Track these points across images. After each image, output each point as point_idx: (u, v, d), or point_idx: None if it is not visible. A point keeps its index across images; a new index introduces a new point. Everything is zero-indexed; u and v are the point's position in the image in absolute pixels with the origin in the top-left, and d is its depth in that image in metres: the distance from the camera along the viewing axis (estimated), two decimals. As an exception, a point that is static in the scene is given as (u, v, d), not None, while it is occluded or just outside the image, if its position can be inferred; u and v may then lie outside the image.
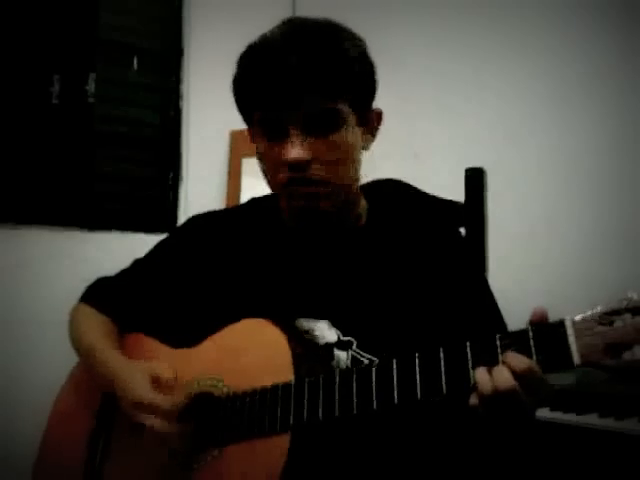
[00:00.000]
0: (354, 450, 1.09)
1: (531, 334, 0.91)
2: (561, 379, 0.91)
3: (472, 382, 0.93)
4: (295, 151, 1.10)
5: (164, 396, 1.09)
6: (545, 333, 0.91)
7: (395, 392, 0.97)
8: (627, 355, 0.85)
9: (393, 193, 1.36)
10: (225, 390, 1.12)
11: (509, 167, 2.25)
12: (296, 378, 1.05)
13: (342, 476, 1.10)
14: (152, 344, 1.28)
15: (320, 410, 1.01)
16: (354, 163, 1.18)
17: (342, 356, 1.14)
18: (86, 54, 2.55)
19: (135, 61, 2.68)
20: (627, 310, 0.86)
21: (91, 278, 1.39)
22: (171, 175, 2.74)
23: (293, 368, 1.05)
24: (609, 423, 1.60)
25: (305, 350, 1.10)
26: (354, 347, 1.14)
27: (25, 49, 2.40)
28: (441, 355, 0.96)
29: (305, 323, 1.17)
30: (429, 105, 2.57)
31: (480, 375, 0.92)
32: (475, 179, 1.52)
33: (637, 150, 2.10)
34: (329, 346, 1.15)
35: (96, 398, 1.26)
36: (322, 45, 1.11)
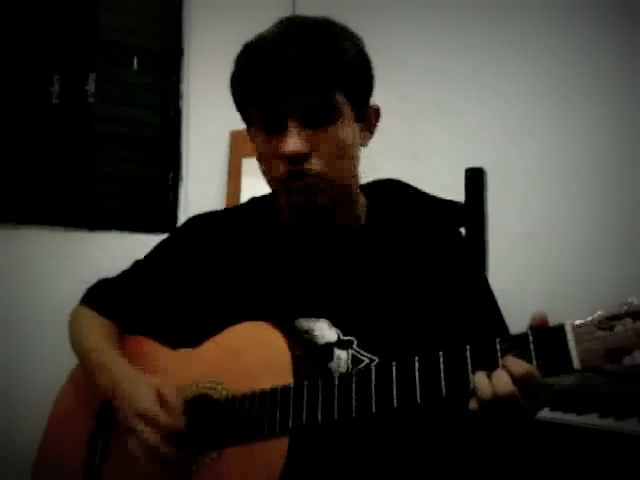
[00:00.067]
0: (353, 453, 1.09)
1: (531, 338, 0.91)
2: (561, 379, 0.90)
3: (471, 386, 0.92)
4: (293, 143, 1.10)
5: (168, 416, 1.07)
6: (545, 337, 0.90)
7: (394, 396, 0.97)
8: (627, 360, 0.85)
9: (393, 193, 1.36)
10: (224, 393, 1.12)
11: (509, 167, 2.25)
12: (295, 381, 1.05)
13: (341, 478, 1.10)
14: (152, 346, 1.27)
15: (319, 413, 1.01)
16: (352, 158, 1.18)
17: (342, 355, 1.14)
18: (86, 54, 2.55)
19: (135, 61, 2.68)
20: (627, 315, 0.86)
21: (91, 278, 1.39)
22: (171, 175, 2.74)
23: (292, 371, 1.05)
24: (609, 423, 1.60)
25: (304, 352, 1.10)
26: (354, 346, 1.14)
27: (25, 49, 2.40)
28: (441, 359, 0.95)
29: (305, 323, 1.17)
30: (429, 105, 2.57)
31: (479, 379, 0.92)
32: (475, 179, 1.52)
33: (637, 150, 2.10)
34: (329, 345, 1.15)
35: (96, 399, 1.25)
36: (319, 39, 1.12)
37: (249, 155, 2.54)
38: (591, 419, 1.64)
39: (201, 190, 2.72)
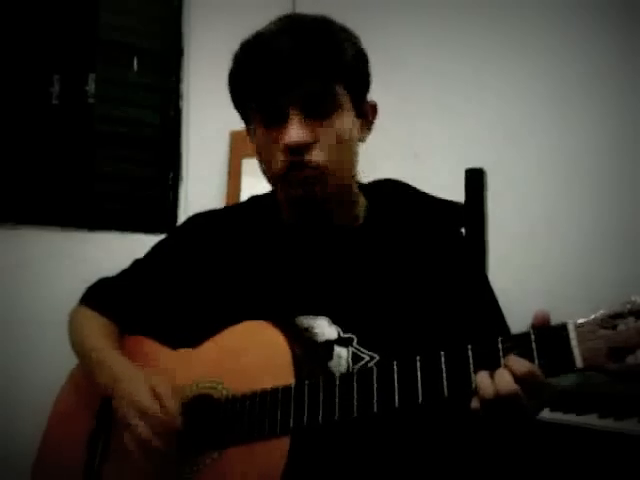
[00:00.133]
0: (354, 453, 1.09)
1: (533, 337, 0.91)
2: (561, 379, 0.90)
3: (473, 385, 0.92)
4: (296, 132, 1.10)
5: (164, 415, 1.07)
6: (547, 336, 0.90)
7: (396, 395, 0.97)
8: (630, 359, 0.84)
9: (392, 193, 1.36)
10: (224, 392, 1.11)
11: (509, 167, 2.25)
12: (296, 381, 1.04)
13: (342, 479, 1.09)
14: (152, 346, 1.27)
15: (320, 413, 1.01)
16: (352, 152, 1.18)
17: (342, 353, 1.14)
18: (86, 54, 2.55)
19: (135, 61, 2.68)
20: (630, 313, 0.86)
21: (91, 278, 1.39)
22: (171, 175, 2.74)
23: (293, 370, 1.05)
24: (609, 423, 1.60)
25: (305, 351, 1.09)
26: (354, 344, 1.14)
27: (25, 49, 2.40)
28: (442, 358, 0.95)
29: (305, 320, 1.17)
30: (429, 105, 2.57)
31: (481, 379, 0.91)
32: (475, 179, 1.52)
33: (637, 150, 2.10)
34: (329, 343, 1.15)
35: (96, 399, 1.25)
36: (318, 31, 1.13)
37: (249, 155, 2.54)
38: (591, 419, 1.64)
39: (201, 190, 2.72)
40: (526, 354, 0.90)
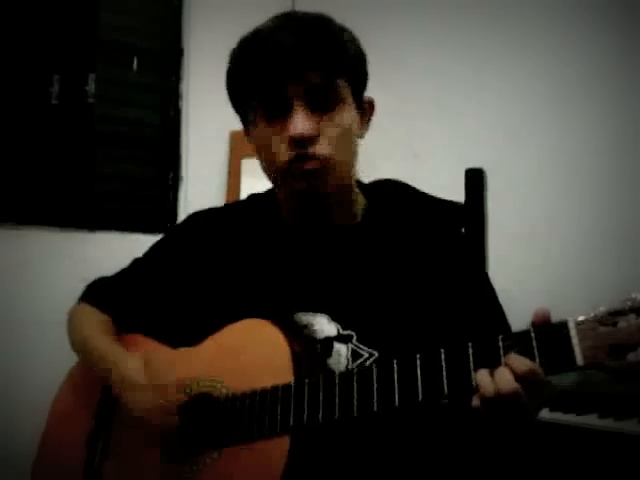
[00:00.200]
0: (354, 452, 1.09)
1: (534, 335, 0.91)
2: (562, 379, 0.90)
3: (474, 384, 0.92)
4: (302, 125, 1.10)
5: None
6: (548, 334, 0.90)
7: (396, 394, 0.97)
8: (631, 357, 0.84)
9: (392, 192, 1.36)
10: (224, 391, 1.12)
11: (509, 167, 2.26)
12: (296, 379, 1.04)
13: (343, 477, 1.09)
14: (152, 344, 1.27)
15: (320, 411, 1.01)
16: (353, 146, 1.18)
17: (342, 350, 1.14)
18: (86, 54, 2.54)
19: (135, 61, 2.68)
20: (631, 310, 0.85)
21: (91, 278, 1.39)
22: (171, 175, 2.74)
23: (293, 369, 1.05)
24: (609, 424, 1.60)
25: (304, 349, 1.10)
26: (354, 341, 1.14)
27: (25, 49, 2.40)
28: (442, 356, 0.95)
29: (304, 317, 1.17)
30: (429, 105, 2.57)
31: (482, 377, 0.91)
32: (475, 179, 1.52)
33: (637, 150, 2.10)
34: (329, 340, 1.15)
35: (94, 398, 1.26)
36: (318, 26, 1.14)
37: (249, 155, 2.53)
38: (591, 419, 1.64)
39: (201, 190, 2.72)
40: (527, 352, 0.90)
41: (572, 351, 0.88)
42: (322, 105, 1.12)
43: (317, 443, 1.04)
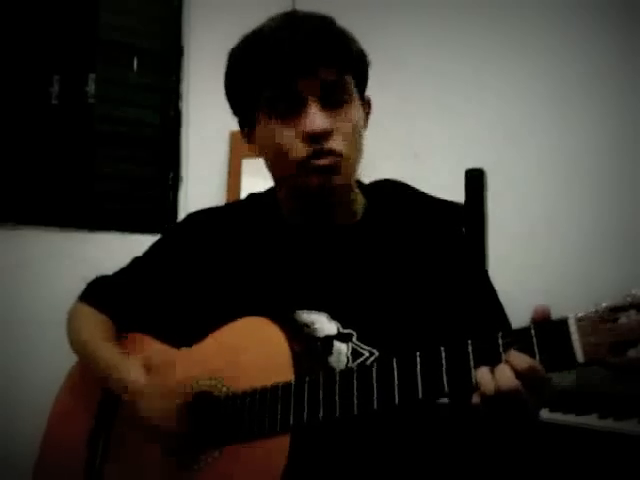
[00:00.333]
0: (355, 450, 1.09)
1: (534, 332, 0.90)
2: (562, 379, 0.90)
3: (474, 381, 0.92)
4: (319, 120, 1.10)
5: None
6: (548, 331, 0.90)
7: (396, 392, 0.96)
8: (632, 353, 0.83)
9: (392, 192, 1.36)
10: (224, 390, 1.12)
11: (509, 167, 2.26)
12: (296, 378, 1.04)
13: (343, 477, 1.09)
14: (151, 343, 1.27)
15: (320, 410, 1.01)
16: (362, 142, 1.19)
17: (342, 348, 1.14)
18: (86, 54, 2.55)
19: (135, 61, 2.68)
20: (632, 306, 0.85)
21: (91, 278, 1.39)
22: (171, 175, 2.74)
23: (293, 367, 1.05)
24: (609, 423, 1.60)
25: (304, 348, 1.10)
26: (354, 339, 1.14)
27: (25, 49, 2.40)
28: (442, 354, 0.95)
29: (304, 316, 1.17)
30: (429, 105, 2.57)
31: (482, 374, 0.91)
32: (475, 179, 1.52)
33: (637, 150, 2.10)
34: (329, 338, 1.15)
35: (95, 398, 1.26)
36: (325, 24, 1.15)
37: (249, 155, 2.54)
38: (591, 420, 1.64)
39: (201, 190, 2.72)
40: (527, 349, 0.90)
41: (572, 347, 0.87)
42: (334, 101, 1.13)
43: (317, 442, 1.04)
